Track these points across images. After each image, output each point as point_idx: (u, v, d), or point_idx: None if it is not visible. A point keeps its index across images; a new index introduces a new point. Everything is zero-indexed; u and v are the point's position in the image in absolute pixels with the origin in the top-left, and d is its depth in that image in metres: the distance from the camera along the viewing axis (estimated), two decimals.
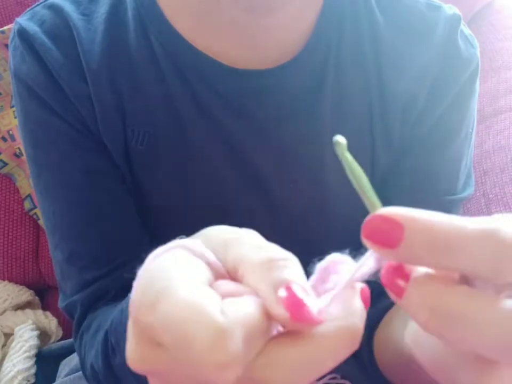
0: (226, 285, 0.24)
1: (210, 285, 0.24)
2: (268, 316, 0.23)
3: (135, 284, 0.24)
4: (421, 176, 0.57)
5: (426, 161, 0.57)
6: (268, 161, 0.55)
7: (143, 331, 0.24)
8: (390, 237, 0.23)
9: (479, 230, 0.23)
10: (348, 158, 0.24)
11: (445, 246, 0.22)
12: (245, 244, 0.25)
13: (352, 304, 0.24)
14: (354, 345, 0.24)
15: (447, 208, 0.58)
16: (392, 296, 0.24)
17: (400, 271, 0.24)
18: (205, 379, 0.22)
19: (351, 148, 0.62)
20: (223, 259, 0.25)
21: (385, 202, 0.63)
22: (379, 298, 0.52)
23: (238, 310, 0.22)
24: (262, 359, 0.23)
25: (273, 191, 0.56)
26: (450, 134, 0.57)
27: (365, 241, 0.24)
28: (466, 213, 0.82)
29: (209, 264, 0.25)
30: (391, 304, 0.49)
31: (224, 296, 0.23)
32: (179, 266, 0.24)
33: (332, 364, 0.23)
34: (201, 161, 0.54)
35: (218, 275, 0.25)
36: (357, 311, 0.24)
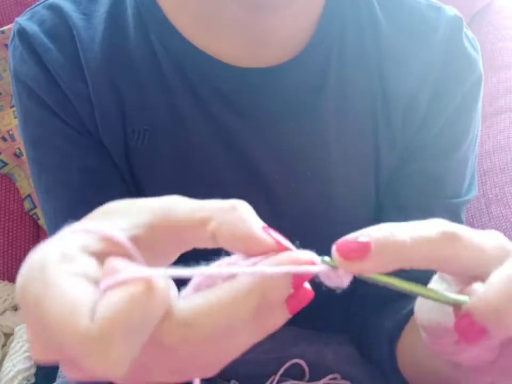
0: (115, 262, 0.24)
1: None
2: (155, 292, 0.22)
3: (20, 273, 0.25)
4: (428, 180, 0.57)
5: (434, 164, 0.57)
6: (269, 160, 0.54)
7: (35, 331, 0.24)
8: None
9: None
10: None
11: None
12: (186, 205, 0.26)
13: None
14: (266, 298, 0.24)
15: (454, 211, 0.58)
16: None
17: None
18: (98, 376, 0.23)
19: (355, 147, 0.62)
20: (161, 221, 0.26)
21: (394, 201, 0.62)
22: (394, 306, 0.52)
23: (111, 308, 0.22)
24: (169, 323, 0.23)
25: (275, 190, 0.56)
26: (459, 138, 0.57)
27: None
28: (467, 212, 0.82)
29: (113, 242, 0.25)
30: (408, 315, 0.50)
31: (109, 273, 0.23)
32: (61, 260, 0.24)
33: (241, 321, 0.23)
34: (201, 160, 0.54)
35: (124, 252, 0.25)
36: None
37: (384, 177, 0.58)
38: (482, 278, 0.27)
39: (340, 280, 0.26)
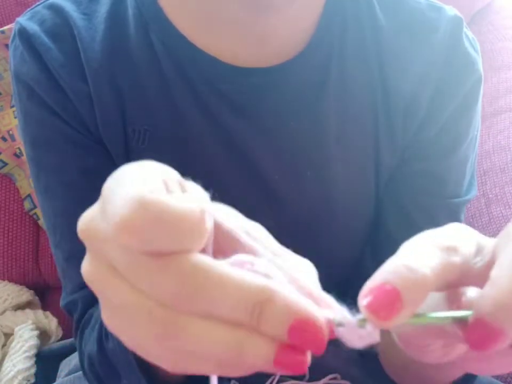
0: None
1: None
2: (205, 225, 0.23)
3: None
4: (429, 180, 0.57)
5: (434, 164, 0.57)
6: (269, 160, 0.54)
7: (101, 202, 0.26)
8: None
9: None
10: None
11: None
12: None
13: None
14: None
15: (455, 211, 0.58)
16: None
17: None
18: (116, 242, 0.23)
19: (355, 146, 0.62)
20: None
21: (394, 201, 0.63)
22: None
23: (171, 200, 0.22)
24: (184, 255, 0.23)
25: (276, 190, 0.56)
26: (459, 138, 0.57)
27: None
28: (467, 212, 0.82)
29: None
30: None
31: None
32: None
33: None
34: (202, 160, 0.54)
35: None
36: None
37: (384, 177, 0.58)
38: (462, 280, 0.27)
39: (371, 335, 0.24)
